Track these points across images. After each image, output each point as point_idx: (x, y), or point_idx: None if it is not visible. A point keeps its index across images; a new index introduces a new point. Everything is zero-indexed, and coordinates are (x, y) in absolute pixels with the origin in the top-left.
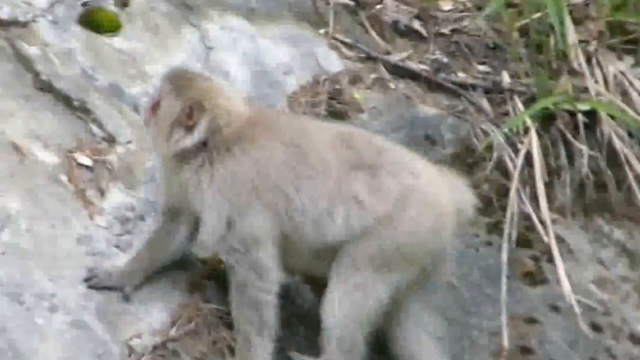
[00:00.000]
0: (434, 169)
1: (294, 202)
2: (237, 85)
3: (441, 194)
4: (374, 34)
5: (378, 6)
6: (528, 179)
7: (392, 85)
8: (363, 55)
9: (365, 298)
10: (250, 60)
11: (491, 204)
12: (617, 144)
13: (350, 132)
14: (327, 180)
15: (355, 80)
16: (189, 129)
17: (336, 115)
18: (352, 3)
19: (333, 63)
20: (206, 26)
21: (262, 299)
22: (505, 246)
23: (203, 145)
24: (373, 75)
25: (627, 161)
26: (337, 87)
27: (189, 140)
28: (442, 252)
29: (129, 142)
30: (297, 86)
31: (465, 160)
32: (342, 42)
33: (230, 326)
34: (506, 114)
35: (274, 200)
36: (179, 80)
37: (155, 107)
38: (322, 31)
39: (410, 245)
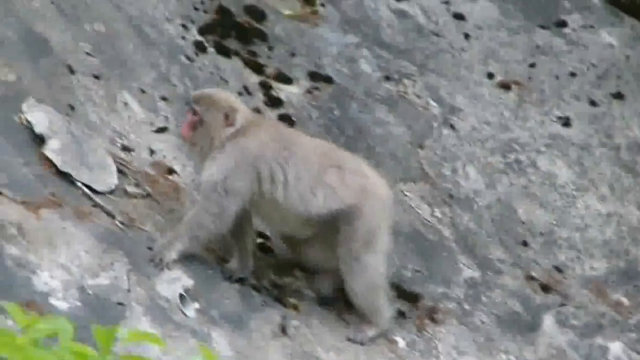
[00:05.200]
0: (373, 171)
1: (278, 178)
2: None
3: (383, 189)
4: None
5: None
6: None
7: None
8: None
9: (370, 275)
10: None
11: None
12: None
13: (323, 143)
14: (309, 170)
15: None
16: (229, 125)
17: None
18: None
19: None
20: None
21: (209, 226)
22: None
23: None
24: None
25: None
26: None
27: (230, 130)
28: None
29: None
30: None
31: None
32: None
33: None
34: None
35: (260, 173)
36: (206, 100)
37: (194, 125)
38: None
39: (376, 225)
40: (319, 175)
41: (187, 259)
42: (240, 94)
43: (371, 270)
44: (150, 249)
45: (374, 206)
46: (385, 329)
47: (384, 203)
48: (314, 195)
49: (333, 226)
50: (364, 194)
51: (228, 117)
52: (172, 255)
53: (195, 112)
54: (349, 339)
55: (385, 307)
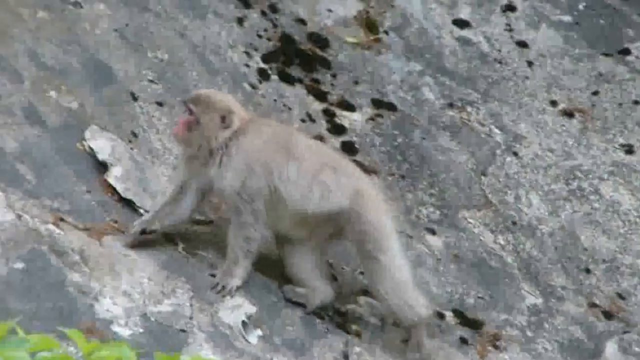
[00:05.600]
0: (363, 174)
1: (284, 174)
2: None
3: (375, 189)
4: None
5: None
6: None
7: None
8: None
9: (393, 273)
10: None
11: None
12: None
13: (316, 142)
14: (307, 166)
15: None
16: (226, 127)
17: None
18: None
19: None
20: None
21: (254, 236)
22: None
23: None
24: None
25: None
26: None
27: (227, 132)
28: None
29: None
30: None
31: None
32: None
33: None
34: None
35: (270, 169)
36: (203, 101)
37: (189, 125)
38: None
39: (380, 223)
40: (316, 172)
41: (249, 286)
42: (303, 121)
43: (391, 267)
44: (213, 275)
45: (372, 206)
46: (426, 317)
47: (380, 201)
48: (310, 191)
49: (329, 228)
50: (358, 196)
51: (225, 120)
52: (236, 281)
53: (191, 113)
54: None
55: (415, 297)
